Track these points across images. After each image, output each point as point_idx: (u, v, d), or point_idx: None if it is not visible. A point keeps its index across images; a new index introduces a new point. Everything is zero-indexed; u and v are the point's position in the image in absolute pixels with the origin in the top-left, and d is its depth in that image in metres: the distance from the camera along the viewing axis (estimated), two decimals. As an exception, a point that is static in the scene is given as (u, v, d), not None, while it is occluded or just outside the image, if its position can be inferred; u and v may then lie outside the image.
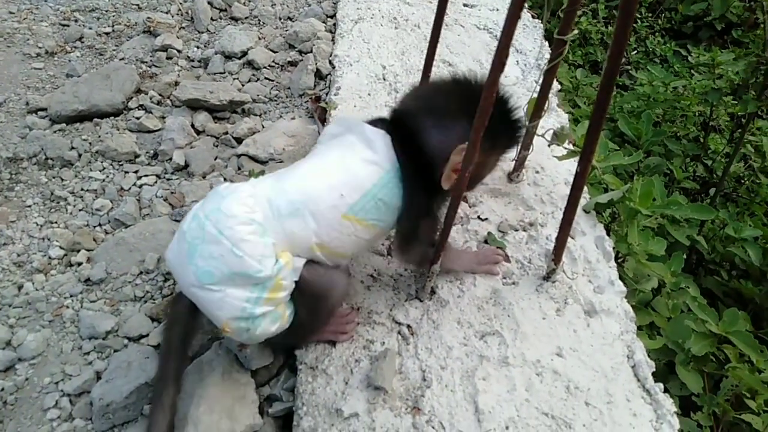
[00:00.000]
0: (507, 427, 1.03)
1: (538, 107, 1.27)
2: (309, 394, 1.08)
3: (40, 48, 2.03)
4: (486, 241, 1.33)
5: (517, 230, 1.36)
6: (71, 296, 1.30)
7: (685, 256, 1.57)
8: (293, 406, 1.09)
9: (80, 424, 1.10)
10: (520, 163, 1.42)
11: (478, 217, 1.38)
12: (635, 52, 3.36)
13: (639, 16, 3.51)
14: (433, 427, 1.02)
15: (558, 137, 1.35)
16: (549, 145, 1.38)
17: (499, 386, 1.09)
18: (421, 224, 1.11)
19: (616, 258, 1.39)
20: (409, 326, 1.18)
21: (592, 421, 1.05)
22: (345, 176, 1.04)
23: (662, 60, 3.21)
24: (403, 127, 1.08)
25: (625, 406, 1.09)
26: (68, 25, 2.15)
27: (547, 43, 1.99)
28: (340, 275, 1.09)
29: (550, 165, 1.49)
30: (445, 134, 1.04)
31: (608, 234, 1.41)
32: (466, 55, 1.86)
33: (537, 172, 1.47)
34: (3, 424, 1.10)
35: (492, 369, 1.11)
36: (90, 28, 2.14)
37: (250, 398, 1.10)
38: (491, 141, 1.04)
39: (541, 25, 2.09)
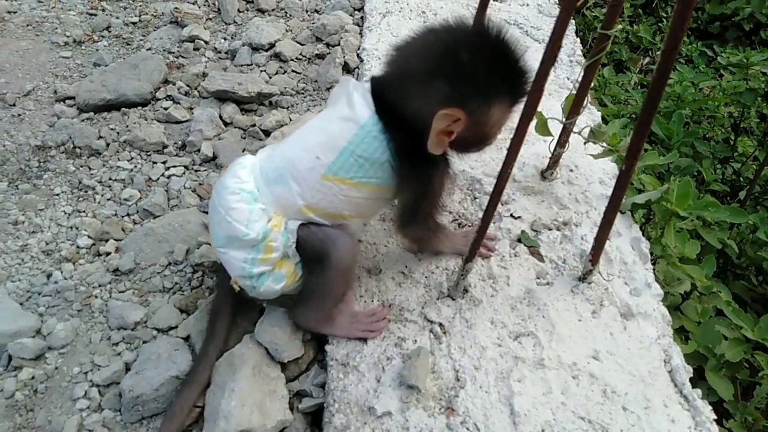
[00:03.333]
0: (543, 431, 1.01)
1: (576, 103, 1.24)
2: (340, 390, 1.07)
3: (67, 37, 2.03)
4: (519, 240, 1.31)
5: (551, 229, 1.33)
6: (100, 286, 1.30)
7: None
8: (324, 403, 1.08)
9: (109, 415, 1.09)
10: (554, 161, 1.39)
11: (511, 215, 1.36)
12: (660, 51, 3.31)
13: (665, 16, 3.46)
14: (467, 429, 1.01)
15: (595, 135, 1.32)
16: (585, 143, 1.35)
17: (534, 388, 1.06)
18: (422, 200, 1.09)
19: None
20: (441, 325, 1.16)
21: (630, 427, 1.03)
22: (320, 137, 1.06)
23: (687, 60, 3.15)
24: (385, 93, 1.03)
25: (662, 411, 1.06)
26: (95, 15, 2.14)
27: (578, 39, 1.95)
28: (339, 233, 1.08)
29: (584, 163, 1.46)
30: (422, 100, 0.98)
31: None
32: (496, 50, 1.83)
33: (571, 170, 1.44)
34: (33, 413, 1.09)
35: (527, 371, 1.09)
36: (117, 18, 2.14)
37: (280, 393, 1.09)
38: (487, 94, 0.97)
39: (572, 21, 2.05)
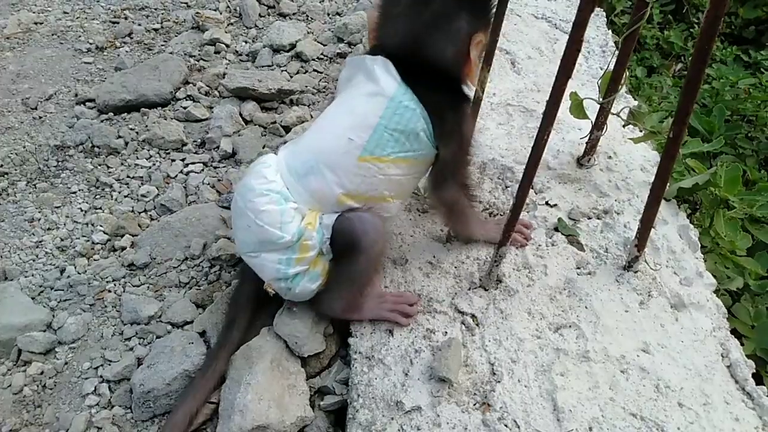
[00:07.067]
0: (590, 428, 0.91)
1: (615, 79, 1.16)
2: (365, 385, 0.98)
3: (90, 44, 2.03)
4: (556, 229, 1.22)
5: (590, 218, 1.24)
6: (114, 280, 1.24)
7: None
8: (347, 399, 1.00)
9: (119, 412, 1.03)
10: (591, 146, 1.30)
11: (546, 203, 1.27)
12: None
13: (696, 21, 3.37)
14: (506, 425, 0.91)
15: (635, 116, 1.23)
16: (624, 125, 1.27)
17: (579, 383, 0.96)
18: (458, 155, 1.06)
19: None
20: (473, 316, 1.07)
21: (688, 424, 0.92)
22: (349, 119, 1.01)
23: (722, 64, 3.05)
24: (404, 51, 1.00)
25: (724, 409, 0.95)
26: (118, 22, 2.14)
27: (610, 32, 1.88)
28: (368, 216, 1.01)
29: (624, 150, 1.37)
30: (453, 40, 0.99)
31: (690, 225, 1.27)
32: (524, 43, 1.76)
33: (609, 157, 1.35)
34: (41, 409, 1.03)
35: (571, 364, 0.99)
36: (139, 25, 2.13)
37: (300, 388, 1.01)
38: (489, 8, 1.04)
39: (603, 13, 1.98)
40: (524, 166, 0.95)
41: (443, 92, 1.01)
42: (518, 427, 0.91)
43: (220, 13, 2.17)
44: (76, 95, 1.79)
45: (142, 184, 1.50)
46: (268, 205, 0.97)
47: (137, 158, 1.57)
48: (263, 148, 1.58)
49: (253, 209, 0.98)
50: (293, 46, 1.94)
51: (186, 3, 2.28)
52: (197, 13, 2.08)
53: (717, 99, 2.17)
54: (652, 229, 1.18)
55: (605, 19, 1.96)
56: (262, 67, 1.90)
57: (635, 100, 1.83)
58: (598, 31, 1.85)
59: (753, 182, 2.03)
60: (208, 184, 1.48)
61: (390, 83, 0.98)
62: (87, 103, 1.76)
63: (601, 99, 1.21)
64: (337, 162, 0.99)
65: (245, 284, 1.11)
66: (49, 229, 1.38)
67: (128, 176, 1.52)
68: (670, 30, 3.28)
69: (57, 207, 1.43)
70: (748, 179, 2.01)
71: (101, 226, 1.36)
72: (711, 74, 2.29)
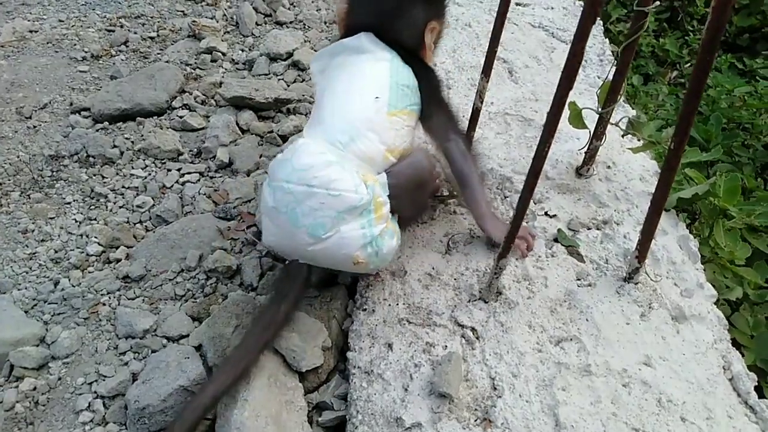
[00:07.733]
0: (593, 444, 0.90)
1: (614, 89, 1.15)
2: (364, 401, 0.97)
3: (86, 52, 2.02)
4: (556, 240, 1.21)
5: (589, 228, 1.23)
6: (108, 293, 1.23)
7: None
8: (346, 415, 0.98)
9: (114, 429, 1.01)
10: (590, 156, 1.30)
11: (546, 213, 1.26)
12: (688, 65, 3.21)
13: (691, 29, 3.38)
14: (507, 441, 0.90)
15: (634, 126, 1.23)
16: (623, 135, 1.26)
17: (581, 398, 0.95)
18: (443, 108, 1.16)
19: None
20: (473, 329, 1.06)
21: (691, 440, 0.91)
22: (366, 83, 1.08)
23: (717, 71, 3.06)
24: (375, 31, 1.13)
25: (727, 423, 0.94)
26: (114, 31, 2.13)
27: (607, 40, 1.88)
28: (416, 152, 1.11)
29: (623, 160, 1.36)
30: (411, 26, 1.13)
31: (689, 235, 1.27)
32: (521, 52, 1.76)
33: (608, 167, 1.34)
34: (34, 426, 1.01)
35: (572, 378, 0.98)
36: (135, 33, 2.12)
37: (298, 404, 1.00)
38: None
39: (600, 22, 1.98)
40: (523, 176, 0.94)
41: (415, 62, 1.13)
42: (520, 444, 0.89)
43: (217, 22, 2.16)
44: (71, 104, 1.78)
45: (137, 194, 1.48)
46: (339, 174, 0.97)
47: (132, 168, 1.55)
48: (260, 157, 1.57)
49: (323, 182, 0.96)
50: (290, 54, 1.94)
51: (182, 11, 2.28)
52: (193, 21, 2.07)
53: (713, 107, 2.17)
54: (652, 240, 1.18)
55: (602, 27, 1.95)
56: (259, 75, 1.89)
57: (632, 108, 1.83)
58: (595, 40, 1.85)
59: (750, 191, 2.04)
60: (205, 194, 1.47)
61: (381, 50, 1.10)
62: (82, 113, 1.74)
63: (600, 109, 1.21)
64: (373, 121, 1.04)
65: (296, 277, 1.09)
66: (42, 240, 1.36)
67: (123, 186, 1.50)
68: (665, 38, 3.29)
69: (51, 218, 1.42)
70: (744, 187, 2.01)
71: (96, 237, 1.35)
72: (707, 82, 2.29)
